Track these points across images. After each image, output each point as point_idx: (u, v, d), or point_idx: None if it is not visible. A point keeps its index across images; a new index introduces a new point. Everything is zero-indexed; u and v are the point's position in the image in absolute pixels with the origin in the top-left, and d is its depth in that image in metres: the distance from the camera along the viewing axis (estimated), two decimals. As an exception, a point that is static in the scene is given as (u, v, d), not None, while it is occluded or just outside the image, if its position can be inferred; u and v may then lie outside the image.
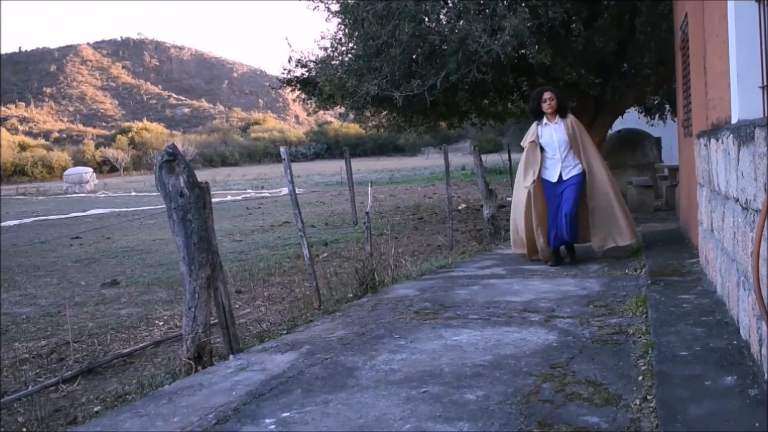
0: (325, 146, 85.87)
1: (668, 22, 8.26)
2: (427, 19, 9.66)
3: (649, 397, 2.64)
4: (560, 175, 5.94)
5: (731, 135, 3.17)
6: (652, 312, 3.82)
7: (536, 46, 8.99)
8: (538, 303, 4.53)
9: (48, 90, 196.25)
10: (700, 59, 4.86)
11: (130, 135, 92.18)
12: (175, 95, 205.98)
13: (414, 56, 9.69)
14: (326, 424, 2.64)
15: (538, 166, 5.98)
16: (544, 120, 6.00)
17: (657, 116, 14.63)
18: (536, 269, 5.91)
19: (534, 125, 6.12)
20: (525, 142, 6.16)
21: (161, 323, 5.59)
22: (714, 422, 2.28)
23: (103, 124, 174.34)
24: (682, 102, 6.86)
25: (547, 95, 5.94)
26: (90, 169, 47.51)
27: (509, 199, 13.10)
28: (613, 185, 6.07)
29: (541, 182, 5.99)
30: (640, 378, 2.89)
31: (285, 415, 2.78)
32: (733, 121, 3.31)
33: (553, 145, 5.95)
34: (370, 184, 10.05)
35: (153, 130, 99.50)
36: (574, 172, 5.94)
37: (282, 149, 5.60)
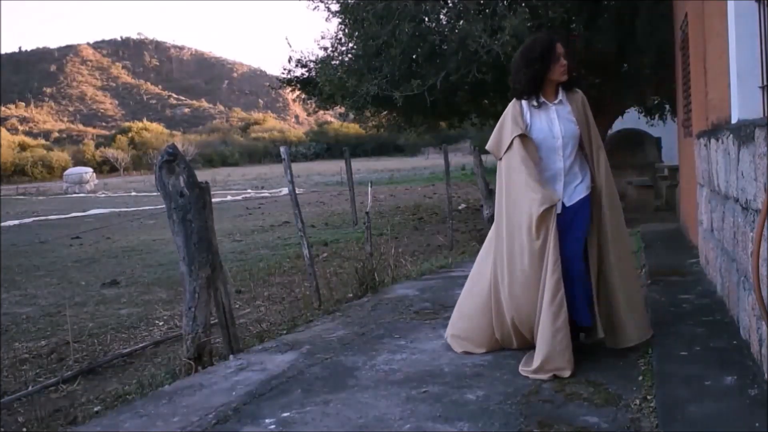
0: (325, 146, 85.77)
1: (668, 22, 8.26)
2: (427, 19, 9.67)
3: (649, 397, 2.64)
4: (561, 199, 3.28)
5: (731, 135, 3.17)
6: (652, 312, 3.82)
7: (536, 46, 8.97)
8: (538, 303, 4.53)
9: (48, 90, 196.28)
10: (700, 59, 4.86)
11: (130, 135, 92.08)
12: (175, 95, 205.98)
13: (414, 56, 9.70)
14: (326, 424, 2.65)
15: (541, 182, 3.18)
16: (540, 98, 3.29)
17: (657, 116, 14.62)
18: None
19: (515, 107, 3.32)
20: (503, 140, 3.31)
21: (161, 323, 5.59)
22: (714, 422, 2.28)
23: (103, 124, 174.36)
24: (682, 102, 6.86)
25: (561, 49, 3.26)
26: (90, 169, 47.49)
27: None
28: (623, 230, 3.42)
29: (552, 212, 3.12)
30: (640, 378, 2.89)
31: (285, 415, 2.78)
32: (733, 121, 3.31)
33: (553, 143, 3.25)
34: (370, 184, 10.05)
35: (153, 130, 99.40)
36: (582, 191, 3.29)
37: (282, 149, 5.61)
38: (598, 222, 3.29)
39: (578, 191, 3.29)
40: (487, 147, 3.42)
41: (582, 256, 3.23)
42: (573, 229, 3.23)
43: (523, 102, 3.30)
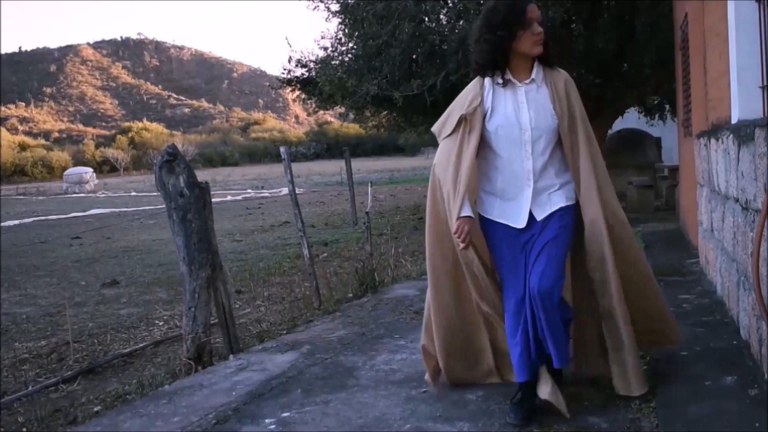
0: (325, 146, 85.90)
1: (668, 22, 8.26)
2: (427, 19, 9.67)
3: (649, 397, 2.64)
4: (530, 211, 2.53)
5: (731, 135, 3.17)
6: (652, 312, 3.82)
7: (536, 47, 8.98)
8: (538, 303, 4.52)
9: (48, 90, 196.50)
10: (700, 59, 4.86)
11: (130, 135, 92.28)
12: (175, 95, 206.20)
13: (414, 56, 9.70)
14: (326, 424, 2.65)
15: (463, 193, 2.52)
16: (506, 74, 2.55)
17: (657, 116, 14.63)
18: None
19: (476, 85, 2.62)
20: (448, 121, 2.66)
21: (161, 323, 5.58)
22: (714, 422, 2.28)
23: (103, 124, 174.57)
24: (682, 102, 6.86)
25: (534, 14, 2.49)
26: (90, 169, 47.56)
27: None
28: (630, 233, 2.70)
29: (478, 230, 2.62)
30: (640, 378, 2.88)
31: (285, 415, 2.78)
32: (733, 121, 3.31)
33: (518, 135, 2.52)
34: (370, 184, 10.05)
35: (153, 130, 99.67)
36: (558, 202, 2.55)
37: (282, 149, 5.60)
38: (580, 250, 2.58)
39: (554, 201, 2.53)
40: (433, 128, 2.76)
41: (556, 299, 2.46)
42: (549, 249, 2.47)
43: (486, 80, 2.58)
